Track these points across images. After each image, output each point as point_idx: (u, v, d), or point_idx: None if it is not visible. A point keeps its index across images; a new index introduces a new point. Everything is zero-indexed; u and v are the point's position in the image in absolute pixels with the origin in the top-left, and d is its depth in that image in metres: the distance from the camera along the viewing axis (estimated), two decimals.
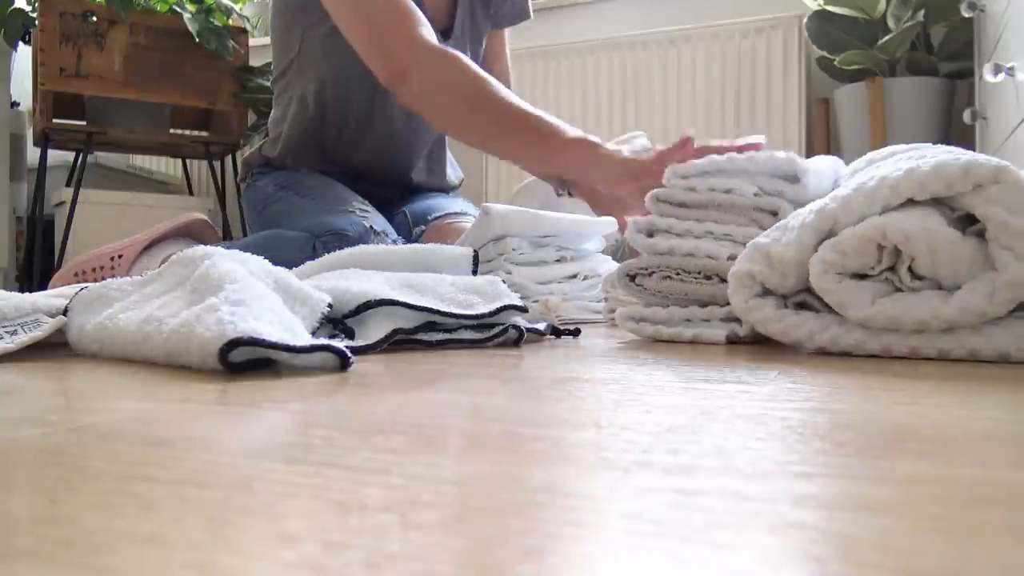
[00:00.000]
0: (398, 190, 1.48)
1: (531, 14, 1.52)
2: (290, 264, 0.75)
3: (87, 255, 1.24)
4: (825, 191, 0.79)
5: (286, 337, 0.48)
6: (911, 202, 0.57)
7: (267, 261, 0.62)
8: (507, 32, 1.56)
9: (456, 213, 1.40)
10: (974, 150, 0.66)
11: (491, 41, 1.52)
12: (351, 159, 1.41)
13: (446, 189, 1.55)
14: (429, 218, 1.38)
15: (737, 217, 0.75)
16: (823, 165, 0.80)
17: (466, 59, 1.14)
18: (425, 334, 0.65)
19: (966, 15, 1.55)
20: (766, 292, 0.63)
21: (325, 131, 1.39)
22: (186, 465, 0.25)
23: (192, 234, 1.28)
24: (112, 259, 1.21)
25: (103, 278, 1.05)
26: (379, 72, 1.18)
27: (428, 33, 1.16)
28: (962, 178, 0.54)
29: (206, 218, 1.31)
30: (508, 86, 1.52)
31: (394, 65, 1.16)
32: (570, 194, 1.33)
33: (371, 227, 1.23)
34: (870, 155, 0.68)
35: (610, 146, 1.12)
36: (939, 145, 0.62)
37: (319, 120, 1.38)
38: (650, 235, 0.77)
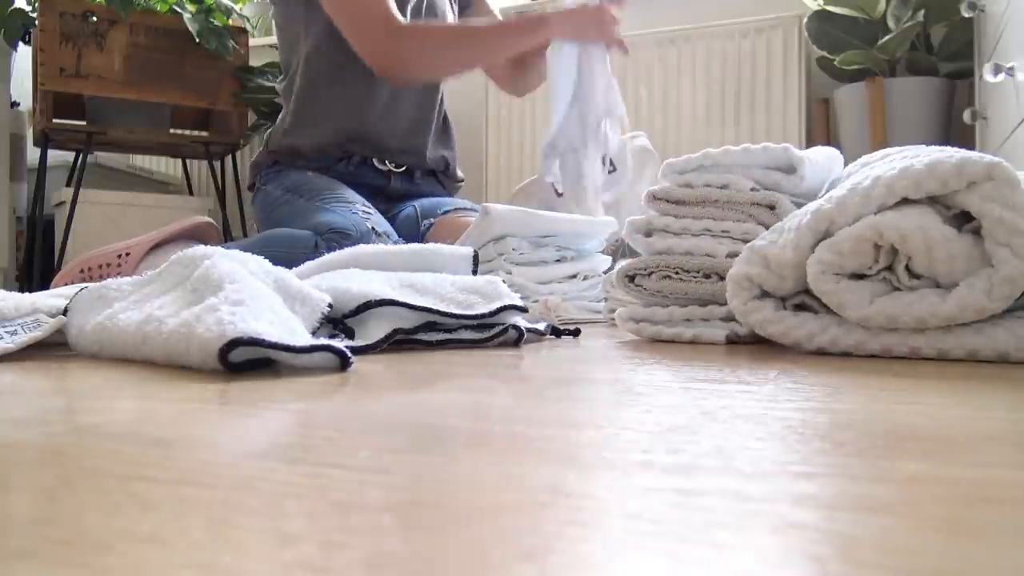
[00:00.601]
0: (407, 180, 1.49)
1: None
2: (292, 263, 0.75)
3: (94, 252, 1.24)
4: (823, 183, 0.79)
5: (286, 337, 0.48)
6: (906, 201, 0.57)
7: (267, 261, 0.62)
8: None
9: (465, 208, 1.42)
10: (974, 150, 0.66)
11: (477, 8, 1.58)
12: (363, 127, 1.43)
13: (451, 180, 1.57)
14: (438, 211, 1.40)
15: (734, 213, 0.75)
16: (820, 156, 0.80)
17: (424, 22, 1.37)
18: (425, 334, 0.65)
19: (966, 15, 1.55)
20: (764, 294, 0.63)
21: (333, 97, 1.43)
22: (186, 465, 0.25)
23: (199, 237, 1.28)
24: (120, 256, 1.21)
25: (110, 275, 1.04)
26: (369, 65, 1.35)
27: (397, 15, 1.33)
28: (956, 175, 0.55)
29: (213, 222, 1.32)
30: None
31: (376, 59, 1.34)
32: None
33: (373, 228, 1.24)
34: (864, 158, 0.69)
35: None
36: (932, 146, 0.62)
37: (326, 77, 1.43)
38: (648, 234, 0.77)
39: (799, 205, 0.71)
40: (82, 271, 1.22)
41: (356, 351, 0.57)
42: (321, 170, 1.41)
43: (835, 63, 1.88)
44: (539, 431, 0.30)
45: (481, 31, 1.36)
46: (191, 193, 2.77)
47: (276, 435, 0.31)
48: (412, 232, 1.38)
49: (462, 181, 1.62)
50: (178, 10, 2.25)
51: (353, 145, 1.43)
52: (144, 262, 1.19)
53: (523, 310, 0.71)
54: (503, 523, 0.19)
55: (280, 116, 1.50)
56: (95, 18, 2.17)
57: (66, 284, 1.17)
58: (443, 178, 1.56)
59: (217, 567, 0.16)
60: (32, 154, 2.45)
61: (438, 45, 1.34)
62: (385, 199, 1.46)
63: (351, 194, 1.35)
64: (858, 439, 0.28)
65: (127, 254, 1.21)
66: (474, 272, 0.83)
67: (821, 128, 2.07)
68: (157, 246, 1.22)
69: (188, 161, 2.78)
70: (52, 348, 0.64)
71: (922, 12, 1.80)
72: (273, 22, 1.56)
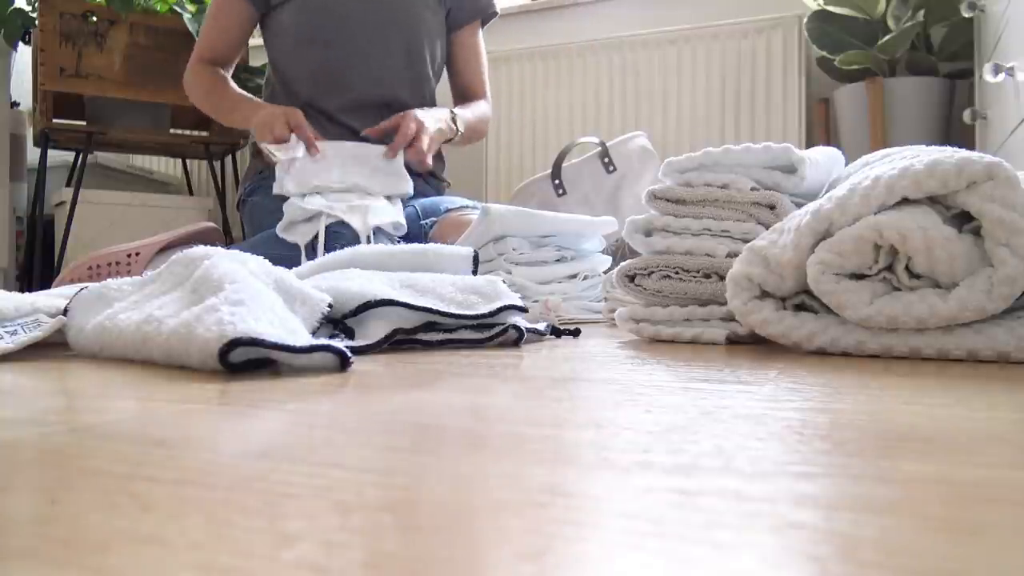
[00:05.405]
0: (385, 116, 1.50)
1: (496, 10, 1.62)
2: (291, 262, 0.75)
3: (104, 250, 1.25)
4: (823, 183, 0.79)
5: (286, 337, 0.48)
6: (906, 201, 0.57)
7: (267, 261, 0.62)
8: (482, 40, 1.62)
9: (467, 206, 1.42)
10: (974, 150, 0.66)
11: (458, 49, 1.58)
12: (336, 76, 1.48)
13: (435, 179, 1.57)
14: (441, 210, 1.40)
15: (734, 213, 0.75)
16: (820, 155, 0.80)
17: (210, 74, 1.58)
18: (425, 334, 0.65)
19: (966, 15, 1.55)
20: (764, 294, 0.63)
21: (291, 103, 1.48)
22: (186, 465, 0.25)
23: (205, 241, 1.28)
24: (129, 256, 1.21)
25: (119, 274, 1.04)
26: None
27: (206, 55, 1.59)
28: (956, 176, 0.55)
29: (219, 228, 1.33)
30: (481, 94, 1.62)
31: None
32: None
33: None
34: (865, 158, 0.69)
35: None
36: (932, 146, 0.62)
37: (284, 84, 1.51)
38: (648, 234, 0.77)
39: (799, 205, 0.71)
40: (90, 268, 1.22)
41: (356, 351, 0.57)
42: None
43: (835, 63, 1.88)
44: (539, 431, 0.30)
45: (223, 105, 1.53)
46: (191, 193, 2.77)
47: (276, 435, 0.31)
48: (413, 231, 1.38)
49: (448, 184, 1.63)
50: (178, 10, 2.25)
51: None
52: (152, 263, 1.20)
53: (523, 310, 0.71)
54: (503, 523, 0.19)
55: None
56: (95, 18, 2.17)
57: (73, 281, 1.17)
58: (426, 176, 1.56)
59: (217, 567, 0.16)
60: (32, 154, 2.45)
61: (198, 97, 1.58)
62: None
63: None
64: (858, 439, 0.28)
65: (137, 254, 1.21)
66: (474, 272, 0.83)
67: (821, 128, 2.07)
68: (165, 248, 1.23)
69: (188, 161, 2.78)
70: (52, 348, 0.64)
71: (922, 12, 1.80)
72: None
